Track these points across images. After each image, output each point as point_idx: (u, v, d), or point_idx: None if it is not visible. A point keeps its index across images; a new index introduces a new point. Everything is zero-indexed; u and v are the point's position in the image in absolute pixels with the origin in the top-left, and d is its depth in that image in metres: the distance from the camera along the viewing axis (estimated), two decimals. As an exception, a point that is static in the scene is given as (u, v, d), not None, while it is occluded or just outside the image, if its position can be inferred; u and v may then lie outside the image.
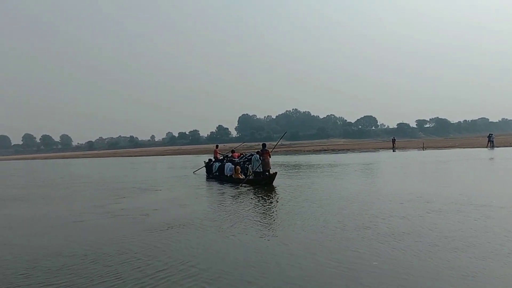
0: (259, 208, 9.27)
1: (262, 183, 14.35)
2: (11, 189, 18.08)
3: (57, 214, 9.64)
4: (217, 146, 21.49)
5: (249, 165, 15.90)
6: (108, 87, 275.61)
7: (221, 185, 14.89)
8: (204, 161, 20.67)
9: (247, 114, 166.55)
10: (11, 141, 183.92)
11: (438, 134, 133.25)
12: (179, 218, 8.26)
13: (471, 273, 4.35)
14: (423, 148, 43.41)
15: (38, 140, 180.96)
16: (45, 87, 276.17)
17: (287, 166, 23.94)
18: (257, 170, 14.93)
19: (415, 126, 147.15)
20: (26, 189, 17.56)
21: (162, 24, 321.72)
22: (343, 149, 51.00)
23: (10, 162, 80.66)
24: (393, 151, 41.62)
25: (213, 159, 19.71)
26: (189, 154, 63.88)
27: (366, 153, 39.69)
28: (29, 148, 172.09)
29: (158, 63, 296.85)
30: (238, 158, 17.99)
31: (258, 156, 15.11)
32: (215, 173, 17.79)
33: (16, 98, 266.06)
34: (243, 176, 15.87)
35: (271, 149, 15.53)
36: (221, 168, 17.13)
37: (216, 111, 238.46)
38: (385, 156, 31.66)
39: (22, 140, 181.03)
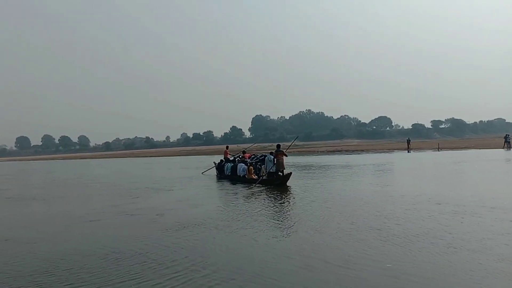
0: (272, 208, 9.35)
1: (276, 183, 14.58)
2: (31, 189, 18.70)
3: (75, 213, 9.95)
4: (227, 147, 21.86)
5: (262, 166, 16.18)
6: (126, 89, 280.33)
7: (234, 186, 15.09)
8: (214, 162, 20.98)
9: (260, 114, 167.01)
10: (31, 142, 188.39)
11: (454, 134, 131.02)
12: (194, 218, 8.41)
13: (490, 274, 4.36)
14: (438, 149, 42.92)
15: (56, 141, 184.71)
16: (64, 89, 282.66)
17: (300, 167, 23.99)
18: (271, 170, 15.19)
19: (430, 127, 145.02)
20: (45, 189, 18.12)
21: (179, 25, 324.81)
22: (357, 150, 50.75)
23: (30, 162, 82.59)
24: (408, 152, 41.31)
25: (224, 160, 19.97)
26: (203, 154, 64.44)
27: (380, 154, 39.48)
28: (48, 149, 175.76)
29: (173, 64, 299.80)
30: (249, 158, 18.22)
31: (272, 156, 15.36)
32: (227, 174, 18.03)
33: (36, 100, 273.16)
34: (255, 176, 16.10)
35: (285, 150, 15.64)
36: (234, 169, 17.38)
37: (230, 112, 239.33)
38: (400, 157, 31.43)
39: (41, 141, 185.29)
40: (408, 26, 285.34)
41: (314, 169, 21.46)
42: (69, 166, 47.51)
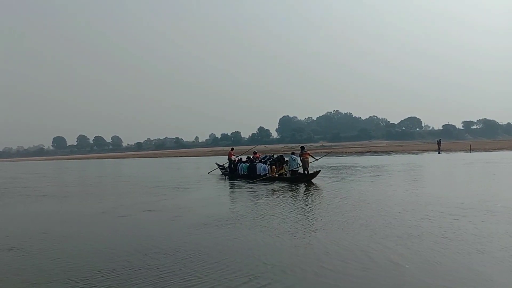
0: (302, 209, 9.50)
1: (303, 180, 15.67)
2: (66, 187, 19.75)
3: (108, 210, 10.44)
4: (232, 149, 22.98)
5: (285, 165, 17.29)
6: (157, 92, 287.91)
7: (255, 184, 15.71)
8: (216, 163, 22.47)
9: (287, 115, 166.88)
10: (67, 142, 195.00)
11: (486, 135, 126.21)
12: (225, 216, 8.76)
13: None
14: (470, 150, 42.24)
15: (91, 141, 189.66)
16: (98, 91, 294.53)
17: (328, 167, 24.35)
18: (294, 168, 16.40)
19: (462, 128, 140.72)
20: (78, 187, 19.49)
21: (210, 35, 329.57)
22: (386, 151, 50.36)
23: (65, 161, 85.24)
24: (439, 153, 40.84)
25: (229, 161, 21.33)
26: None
27: (410, 155, 39.09)
28: (83, 149, 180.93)
29: (203, 68, 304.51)
30: (258, 158, 19.35)
31: (295, 156, 16.67)
32: (242, 174, 18.90)
33: (72, 102, 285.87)
34: (276, 175, 17.13)
35: (329, 151, 16.84)
36: (252, 168, 18.28)
37: (257, 112, 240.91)
38: (430, 159, 31.18)
39: (76, 141, 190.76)
40: (446, 25, 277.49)
41: (342, 170, 21.74)
42: (103, 166, 49.44)
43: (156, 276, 4.82)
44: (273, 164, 17.72)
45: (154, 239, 6.77)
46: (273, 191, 13.43)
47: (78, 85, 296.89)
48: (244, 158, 21.10)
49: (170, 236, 7.00)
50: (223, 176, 20.75)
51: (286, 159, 17.60)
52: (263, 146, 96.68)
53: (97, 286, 4.57)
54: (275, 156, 19.04)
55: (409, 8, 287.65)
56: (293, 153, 17.44)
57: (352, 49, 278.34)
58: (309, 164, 16.39)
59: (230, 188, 15.69)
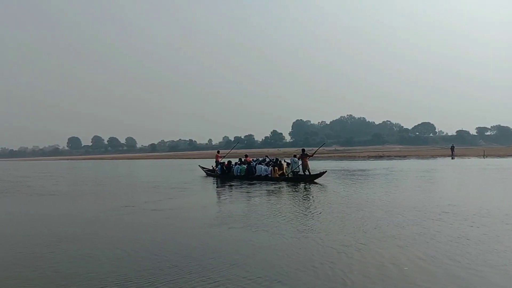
0: (307, 209, 10.01)
1: (307, 180, 17.25)
2: (86, 186, 20.50)
3: (122, 208, 10.98)
4: (218, 152, 24.30)
5: (287, 167, 18.69)
6: (174, 95, 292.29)
7: (259, 184, 16.92)
8: (212, 166, 23.32)
9: (301, 119, 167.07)
10: (82, 142, 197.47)
11: (500, 142, 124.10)
12: (234, 216, 9.22)
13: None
14: (484, 156, 42.26)
15: (106, 142, 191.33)
16: (114, 93, 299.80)
17: (339, 171, 24.71)
18: (295, 170, 17.95)
19: (476, 134, 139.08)
20: (105, 186, 20.29)
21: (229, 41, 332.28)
22: (399, 156, 50.39)
23: (79, 161, 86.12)
24: (452, 158, 40.85)
25: (215, 163, 22.68)
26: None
27: (424, 160, 39.25)
28: (98, 149, 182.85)
29: (215, 80, 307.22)
30: (250, 162, 20.62)
31: (296, 159, 18.16)
32: (237, 174, 19.94)
33: (87, 103, 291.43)
34: (277, 175, 18.42)
35: (312, 154, 18.79)
36: (250, 170, 19.40)
37: (270, 117, 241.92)
38: (443, 164, 31.32)
39: (91, 142, 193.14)
40: (455, 34, 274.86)
41: (354, 174, 22.00)
42: (117, 166, 50.31)
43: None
44: (274, 165, 18.93)
45: (166, 241, 6.93)
46: (280, 191, 14.57)
47: (93, 86, 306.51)
48: (226, 161, 22.31)
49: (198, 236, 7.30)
50: (214, 179, 21.23)
51: (288, 161, 19.01)
52: (276, 149, 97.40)
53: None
54: (267, 159, 20.87)
55: (421, 25, 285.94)
56: (295, 156, 18.89)
57: (364, 63, 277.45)
58: (309, 166, 17.94)
59: (239, 189, 15.98)
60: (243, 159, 21.29)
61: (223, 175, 21.22)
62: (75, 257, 6.09)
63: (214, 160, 23.48)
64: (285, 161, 19.51)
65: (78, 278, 5.09)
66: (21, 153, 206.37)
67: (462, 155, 45.65)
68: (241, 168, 20.02)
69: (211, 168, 23.54)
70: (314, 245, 6.35)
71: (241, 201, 12.23)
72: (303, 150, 18.44)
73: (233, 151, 29.53)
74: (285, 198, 12.62)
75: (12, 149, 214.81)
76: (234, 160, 22.29)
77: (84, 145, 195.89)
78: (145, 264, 5.56)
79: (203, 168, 25.12)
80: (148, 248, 6.42)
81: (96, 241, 7.14)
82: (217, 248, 6.30)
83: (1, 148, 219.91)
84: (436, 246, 6.02)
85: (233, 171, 20.51)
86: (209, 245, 6.50)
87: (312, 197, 12.66)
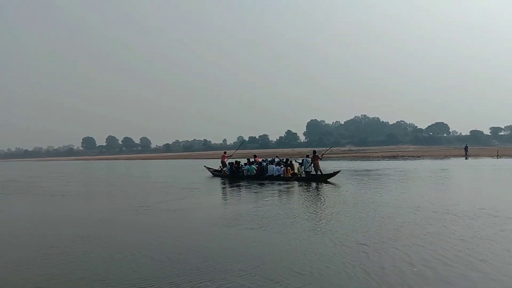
0: (321, 209, 10.28)
1: (320, 180, 17.84)
2: (100, 186, 21.12)
3: (138, 208, 11.23)
4: (225, 152, 24.63)
5: (299, 166, 19.18)
6: (189, 95, 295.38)
7: (272, 185, 17.33)
8: (220, 166, 23.62)
9: (315, 119, 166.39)
10: (96, 143, 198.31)
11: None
12: (249, 216, 9.41)
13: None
14: (497, 156, 42.48)
15: (120, 142, 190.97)
16: (128, 94, 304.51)
17: (353, 171, 25.07)
18: (307, 170, 18.52)
19: (489, 134, 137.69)
20: (115, 186, 20.86)
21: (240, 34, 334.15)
22: (413, 156, 50.48)
23: (93, 162, 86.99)
24: (466, 158, 40.93)
25: (221, 164, 22.98)
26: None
27: (437, 160, 39.42)
28: (112, 149, 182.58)
29: (230, 80, 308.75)
30: (259, 162, 21.08)
31: (309, 159, 18.64)
32: (248, 175, 20.28)
33: (101, 103, 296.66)
34: (289, 175, 19.05)
35: (322, 154, 19.51)
36: (262, 170, 19.88)
37: (285, 116, 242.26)
38: (457, 164, 31.47)
39: (106, 142, 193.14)
40: (465, 30, 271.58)
41: (368, 174, 22.41)
42: (130, 166, 51.09)
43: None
44: (288, 165, 19.55)
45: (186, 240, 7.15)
46: (293, 191, 15.15)
47: (113, 96, 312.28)
48: (234, 161, 22.60)
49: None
50: (223, 179, 21.53)
51: (299, 161, 19.50)
52: (291, 149, 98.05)
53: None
54: (277, 159, 21.25)
55: (436, 25, 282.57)
56: (307, 156, 19.36)
57: (379, 63, 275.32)
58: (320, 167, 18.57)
59: (251, 189, 16.21)
60: (251, 160, 21.66)
61: (233, 175, 21.42)
62: (94, 259, 6.15)
63: (220, 160, 23.65)
64: (296, 161, 19.93)
65: (100, 279, 5.17)
66: (36, 153, 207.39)
67: (475, 155, 45.76)
68: (250, 168, 20.33)
69: (219, 168, 23.68)
70: (332, 245, 6.42)
71: (255, 201, 12.34)
72: (314, 152, 19.11)
73: (241, 151, 29.71)
74: (298, 198, 13.09)
75: (27, 149, 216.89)
76: (240, 160, 22.54)
77: (98, 145, 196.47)
78: (165, 266, 5.63)
79: (208, 168, 25.24)
80: (167, 250, 6.46)
81: (114, 242, 7.22)
82: (237, 250, 6.31)
83: (16, 148, 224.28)
84: (456, 244, 6.23)
85: (243, 171, 20.79)
86: (229, 247, 6.52)
87: (327, 197, 13.06)
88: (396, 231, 7.26)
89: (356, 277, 4.92)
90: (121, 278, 5.19)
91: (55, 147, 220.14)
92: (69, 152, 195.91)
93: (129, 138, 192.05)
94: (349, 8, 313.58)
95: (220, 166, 23.70)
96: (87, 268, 5.67)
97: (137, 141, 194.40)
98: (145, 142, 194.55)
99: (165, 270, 5.43)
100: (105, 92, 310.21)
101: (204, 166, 26.73)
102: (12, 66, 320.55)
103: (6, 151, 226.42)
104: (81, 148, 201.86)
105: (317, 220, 8.80)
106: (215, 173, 23.96)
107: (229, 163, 22.53)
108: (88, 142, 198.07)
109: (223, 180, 20.90)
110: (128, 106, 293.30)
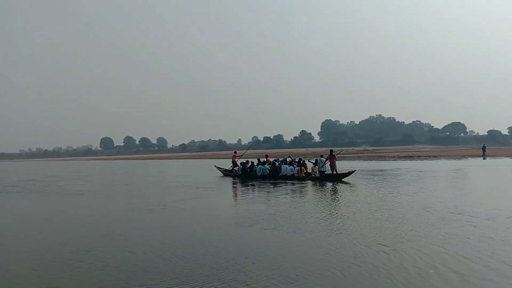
0: (337, 209, 10.23)
1: (335, 179, 17.86)
2: (119, 185, 21.35)
3: (155, 207, 11.42)
4: (235, 152, 24.63)
5: (314, 166, 19.15)
6: (205, 96, 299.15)
7: (286, 184, 17.27)
8: (231, 166, 23.63)
9: (330, 119, 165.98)
10: (114, 143, 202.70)
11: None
12: (263, 215, 9.46)
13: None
14: (517, 156, 41.81)
15: (137, 142, 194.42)
16: (146, 94, 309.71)
17: (368, 171, 24.96)
18: (322, 169, 18.49)
19: (507, 134, 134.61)
20: (130, 185, 21.15)
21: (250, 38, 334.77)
22: (430, 156, 49.82)
23: (111, 161, 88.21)
24: (483, 158, 40.34)
25: (232, 163, 22.98)
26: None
27: (454, 160, 38.85)
28: (129, 149, 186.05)
29: (246, 83, 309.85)
30: (271, 162, 20.98)
31: (323, 159, 18.67)
32: (260, 174, 20.17)
33: (120, 104, 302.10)
34: (303, 174, 19.03)
35: (337, 154, 19.33)
36: (275, 170, 19.78)
37: (299, 116, 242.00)
38: (474, 164, 30.98)
39: (123, 142, 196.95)
40: (484, 30, 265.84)
41: (383, 175, 22.32)
42: (146, 166, 51.68)
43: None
44: (302, 165, 19.48)
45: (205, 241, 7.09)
46: (307, 191, 15.16)
47: (131, 97, 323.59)
48: (245, 161, 22.50)
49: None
50: (234, 179, 21.50)
51: (312, 161, 19.41)
52: (305, 149, 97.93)
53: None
54: (289, 159, 20.97)
55: (451, 25, 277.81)
56: (321, 156, 19.40)
57: (393, 63, 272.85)
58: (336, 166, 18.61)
59: (265, 189, 16.19)
60: (262, 160, 21.59)
61: (245, 175, 21.37)
62: (115, 257, 6.21)
63: (231, 160, 23.66)
64: (309, 161, 19.85)
65: (122, 279, 5.18)
66: (55, 153, 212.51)
67: (493, 155, 44.93)
68: (264, 168, 20.21)
69: (230, 168, 23.69)
70: (351, 245, 6.41)
71: (269, 200, 12.41)
72: (331, 151, 19.05)
73: (255, 151, 29.63)
74: (313, 198, 13.11)
75: (47, 149, 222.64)
76: (251, 160, 22.57)
77: (116, 145, 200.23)
78: (185, 266, 5.64)
79: (219, 168, 25.19)
80: (185, 249, 6.52)
81: (133, 241, 7.28)
82: (255, 250, 6.31)
83: (36, 148, 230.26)
84: (475, 245, 6.20)
85: (255, 171, 20.70)
86: (247, 247, 6.53)
87: (341, 196, 13.02)
88: (414, 232, 7.23)
89: (380, 278, 4.87)
90: (138, 277, 5.22)
91: (74, 147, 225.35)
92: (87, 152, 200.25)
93: (146, 138, 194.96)
94: (362, 8, 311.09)
95: (231, 166, 23.81)
96: (105, 267, 5.74)
97: (154, 141, 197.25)
98: (161, 142, 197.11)
99: (191, 272, 5.38)
100: (123, 93, 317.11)
101: (215, 166, 26.84)
102: (33, 68, 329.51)
103: (27, 151, 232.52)
104: (99, 148, 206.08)
105: (332, 219, 8.77)
106: (226, 172, 23.95)
107: (240, 163, 22.57)
108: (106, 142, 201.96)
109: (235, 180, 20.96)
110: (145, 107, 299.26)
